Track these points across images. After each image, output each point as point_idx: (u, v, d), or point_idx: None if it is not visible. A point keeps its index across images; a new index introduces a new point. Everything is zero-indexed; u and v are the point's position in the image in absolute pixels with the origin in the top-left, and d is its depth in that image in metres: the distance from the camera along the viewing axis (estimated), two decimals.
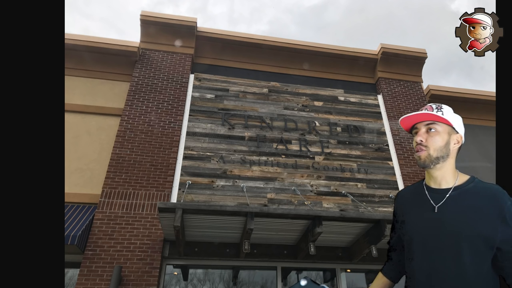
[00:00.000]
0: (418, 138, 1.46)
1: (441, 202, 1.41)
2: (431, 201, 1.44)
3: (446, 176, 1.46)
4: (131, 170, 6.20)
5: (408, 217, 1.51)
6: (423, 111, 1.48)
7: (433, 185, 1.48)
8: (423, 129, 1.47)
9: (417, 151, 1.46)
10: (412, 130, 1.53)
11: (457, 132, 1.47)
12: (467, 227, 1.33)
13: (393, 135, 7.64)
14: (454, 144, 1.47)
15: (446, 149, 1.45)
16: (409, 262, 1.46)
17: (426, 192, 1.48)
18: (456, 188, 1.43)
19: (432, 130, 1.46)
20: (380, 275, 1.68)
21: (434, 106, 1.49)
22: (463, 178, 1.46)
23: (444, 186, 1.45)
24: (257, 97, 7.63)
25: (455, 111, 1.55)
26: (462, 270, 1.31)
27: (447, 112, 1.48)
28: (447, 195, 1.42)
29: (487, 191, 1.38)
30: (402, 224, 1.54)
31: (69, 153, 6.25)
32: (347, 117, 7.76)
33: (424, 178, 1.56)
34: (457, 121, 1.48)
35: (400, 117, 1.56)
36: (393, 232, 1.67)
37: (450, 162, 1.46)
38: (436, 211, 1.40)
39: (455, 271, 1.32)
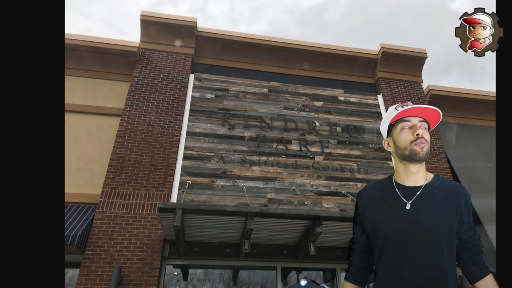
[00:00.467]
0: (419, 131, 1.47)
1: (413, 199, 1.45)
2: (403, 198, 1.46)
3: (422, 173, 1.51)
4: (131, 170, 6.20)
5: (378, 215, 1.49)
6: (411, 103, 1.53)
7: (408, 183, 1.49)
8: (418, 124, 1.49)
9: (419, 144, 1.46)
10: (399, 123, 1.53)
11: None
12: (441, 221, 1.39)
13: None
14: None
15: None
16: (386, 259, 1.44)
17: (397, 190, 1.50)
18: (427, 185, 1.48)
19: (423, 127, 1.50)
20: (345, 283, 1.65)
21: (406, 102, 1.57)
22: (429, 176, 1.53)
23: (419, 183, 1.49)
24: (257, 97, 7.63)
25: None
26: (441, 262, 1.36)
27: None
28: (418, 192, 1.46)
29: (453, 187, 1.49)
30: (372, 223, 1.51)
31: (69, 153, 6.25)
32: (347, 117, 7.76)
33: (389, 176, 1.59)
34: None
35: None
36: (357, 233, 1.63)
37: None
38: (408, 207, 1.43)
39: (435, 264, 1.35)
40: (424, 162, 1.50)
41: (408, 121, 1.50)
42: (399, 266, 1.39)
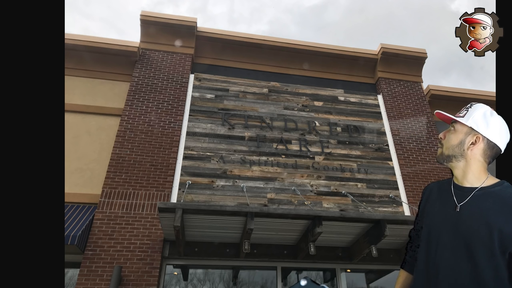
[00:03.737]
0: (440, 135, 1.53)
1: (465, 201, 1.40)
2: (455, 198, 1.44)
3: (467, 176, 1.45)
4: (131, 170, 6.20)
5: (430, 209, 1.52)
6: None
7: (456, 183, 1.49)
8: (449, 128, 1.53)
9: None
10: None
11: (478, 133, 1.44)
12: (482, 229, 1.31)
13: (393, 135, 7.64)
14: (470, 144, 1.44)
15: (459, 149, 1.45)
16: (422, 252, 1.47)
17: (452, 188, 1.48)
18: (482, 189, 1.40)
19: (451, 128, 1.49)
20: (401, 271, 1.68)
21: (467, 106, 1.52)
22: (491, 181, 1.43)
23: (466, 185, 1.44)
24: (257, 97, 7.63)
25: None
26: (475, 271, 1.29)
27: (473, 111, 1.47)
28: (471, 195, 1.40)
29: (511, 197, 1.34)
30: (423, 216, 1.55)
31: (69, 153, 6.25)
32: (347, 117, 7.76)
33: None
34: (480, 122, 1.44)
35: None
36: (415, 223, 1.68)
37: (470, 163, 1.45)
38: (458, 210, 1.40)
39: (467, 271, 1.30)
40: (464, 165, 1.46)
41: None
42: (433, 264, 1.39)
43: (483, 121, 1.44)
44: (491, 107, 1.53)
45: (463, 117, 1.47)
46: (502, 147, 1.46)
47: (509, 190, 1.37)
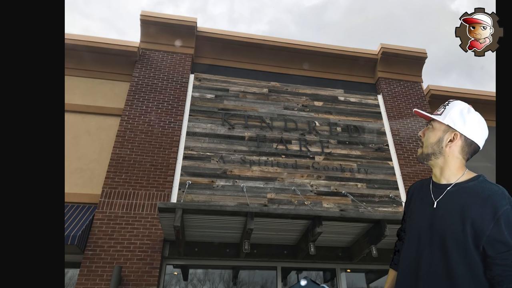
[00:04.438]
0: (419, 133, 1.55)
1: (440, 197, 1.42)
2: (432, 196, 1.45)
3: (445, 173, 1.46)
4: (131, 170, 6.20)
5: (412, 208, 1.55)
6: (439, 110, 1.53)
7: (435, 180, 1.50)
8: (428, 125, 1.54)
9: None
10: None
11: (455, 130, 1.44)
12: (455, 224, 1.32)
13: (393, 135, 7.64)
14: (448, 142, 1.44)
15: (438, 146, 1.46)
16: (405, 249, 1.49)
17: (431, 187, 1.50)
18: (456, 185, 1.41)
19: (430, 126, 1.51)
20: (390, 270, 1.70)
21: (447, 102, 1.52)
22: (467, 176, 1.43)
23: (443, 182, 1.46)
24: (257, 97, 7.63)
25: None
26: (449, 267, 1.30)
27: (450, 108, 1.47)
28: (445, 191, 1.42)
29: (485, 191, 1.33)
30: (407, 215, 1.58)
31: (69, 153, 6.25)
32: (347, 117, 7.76)
33: None
34: (457, 120, 1.44)
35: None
36: (402, 223, 1.71)
37: (447, 160, 1.45)
38: (435, 206, 1.42)
39: (443, 267, 1.32)
40: (442, 162, 1.47)
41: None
42: (415, 262, 1.40)
43: (460, 118, 1.44)
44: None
45: (440, 115, 1.48)
46: (480, 143, 1.46)
47: (483, 184, 1.36)
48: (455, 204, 1.37)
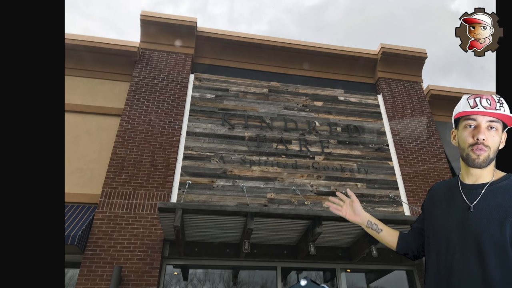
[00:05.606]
0: (480, 136, 1.30)
1: (476, 201, 1.32)
2: (464, 198, 1.36)
3: (485, 173, 1.36)
4: (131, 170, 6.20)
5: (437, 211, 1.45)
6: (485, 100, 1.33)
7: (467, 181, 1.40)
8: (484, 125, 1.32)
9: (476, 150, 1.32)
10: (464, 119, 1.37)
11: (504, 131, 1.37)
12: (492, 225, 1.24)
13: (393, 135, 7.64)
14: (502, 142, 1.38)
15: (497, 149, 1.37)
16: (432, 256, 1.40)
17: (460, 188, 1.40)
18: (491, 184, 1.33)
19: (493, 128, 1.33)
20: (397, 232, 1.71)
21: (496, 98, 1.34)
22: (498, 174, 1.37)
23: (473, 182, 1.38)
24: (257, 97, 7.63)
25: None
26: (485, 272, 1.22)
27: (506, 105, 1.35)
28: (482, 192, 1.33)
29: None
30: (429, 217, 1.49)
31: (69, 153, 6.24)
32: (347, 117, 7.76)
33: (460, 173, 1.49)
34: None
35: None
36: (418, 220, 1.66)
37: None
38: (471, 210, 1.31)
39: (477, 272, 1.24)
40: (492, 163, 1.35)
41: (474, 119, 1.34)
42: (445, 267, 1.32)
43: None
44: None
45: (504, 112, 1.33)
46: None
47: None
48: (490, 204, 1.29)
